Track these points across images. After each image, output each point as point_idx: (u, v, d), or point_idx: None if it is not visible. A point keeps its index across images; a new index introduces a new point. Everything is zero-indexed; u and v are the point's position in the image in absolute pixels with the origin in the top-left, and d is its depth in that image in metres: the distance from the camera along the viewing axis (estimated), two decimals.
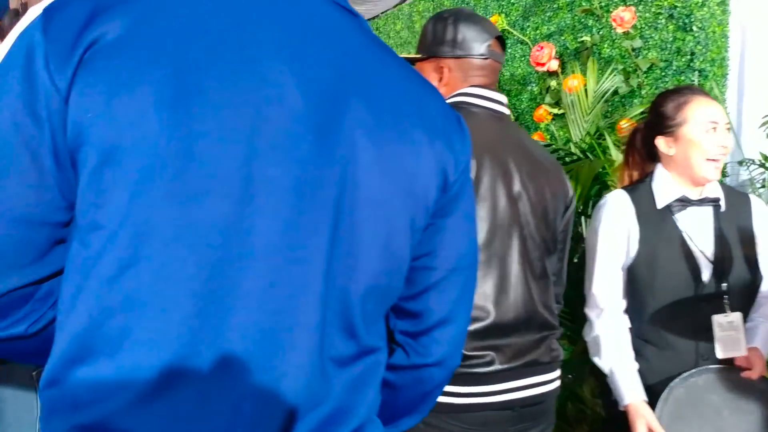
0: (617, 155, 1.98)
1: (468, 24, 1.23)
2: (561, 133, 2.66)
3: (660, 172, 1.35)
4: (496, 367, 1.18)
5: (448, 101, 1.23)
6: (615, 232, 1.32)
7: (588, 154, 2.04)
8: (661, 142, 1.34)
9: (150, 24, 0.51)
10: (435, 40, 1.25)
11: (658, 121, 1.34)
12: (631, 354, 1.30)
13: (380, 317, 0.63)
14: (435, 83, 1.25)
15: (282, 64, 0.53)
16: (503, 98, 1.26)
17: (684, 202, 1.29)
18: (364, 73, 0.58)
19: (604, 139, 2.15)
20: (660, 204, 1.31)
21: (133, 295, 0.49)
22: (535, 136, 2.62)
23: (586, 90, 2.17)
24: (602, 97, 2.17)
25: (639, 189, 1.36)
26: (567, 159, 2.05)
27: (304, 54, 0.55)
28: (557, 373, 1.30)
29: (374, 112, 0.56)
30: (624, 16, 2.22)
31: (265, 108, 0.52)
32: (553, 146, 2.22)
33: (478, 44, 1.22)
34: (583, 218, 1.93)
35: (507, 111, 1.26)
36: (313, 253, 0.53)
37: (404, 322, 0.68)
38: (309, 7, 0.58)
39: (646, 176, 1.38)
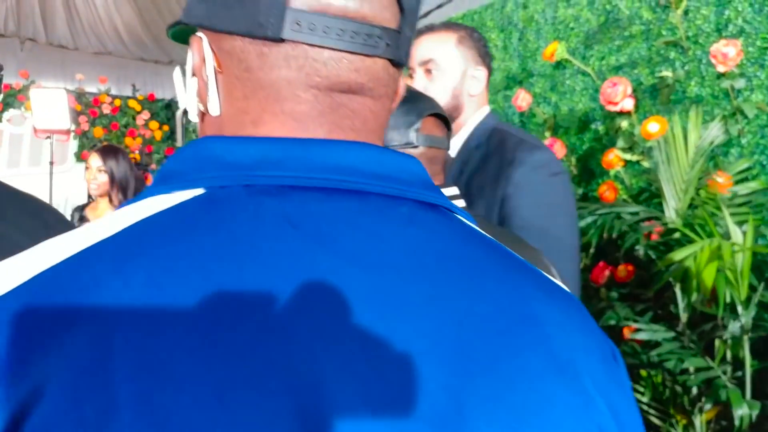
0: (735, 231, 1.60)
1: None
2: (633, 181, 2.28)
3: None
4: None
5: None
6: None
7: (696, 227, 1.66)
8: None
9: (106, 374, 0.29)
10: None
11: None
12: None
13: None
14: None
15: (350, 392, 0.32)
16: (451, 190, 0.96)
17: None
18: (481, 347, 0.37)
19: (710, 203, 1.77)
20: None
21: None
22: (604, 186, 2.24)
23: (686, 141, 1.79)
24: (706, 150, 1.78)
25: None
26: (667, 235, 1.66)
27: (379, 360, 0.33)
28: None
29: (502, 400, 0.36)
30: (727, 53, 1.83)
31: None
32: (641, 212, 1.83)
33: (401, 131, 0.92)
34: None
35: (461, 202, 0.97)
36: None
37: None
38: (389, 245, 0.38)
39: None
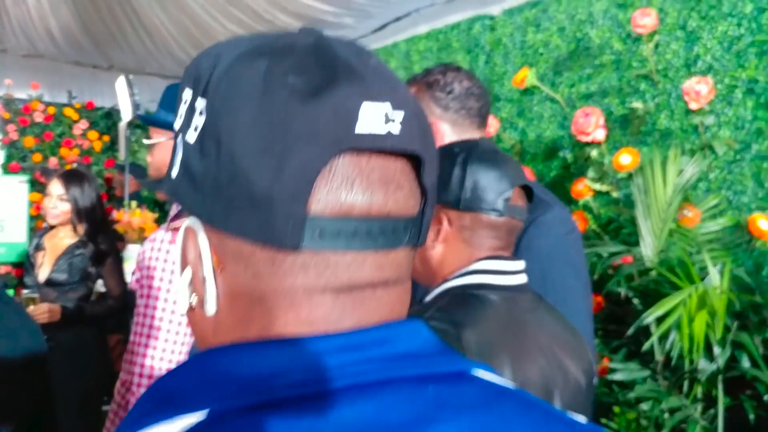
0: (715, 276, 1.59)
1: (483, 167, 0.91)
2: (602, 211, 2.28)
3: None
4: None
5: (450, 283, 0.91)
6: None
7: (677, 271, 1.64)
8: None
9: None
10: (437, 181, 0.91)
11: None
12: None
13: None
14: (429, 237, 0.93)
15: None
16: (520, 264, 0.94)
17: None
18: None
19: (684, 241, 1.77)
20: None
21: None
22: (574, 216, 2.22)
23: (664, 180, 1.77)
24: (683, 188, 1.78)
25: None
26: (648, 279, 1.64)
27: None
28: None
29: None
30: (700, 90, 1.84)
31: None
32: (620, 250, 1.81)
33: (493, 195, 0.89)
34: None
35: (524, 278, 0.94)
36: None
37: None
38: None
39: None
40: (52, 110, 4.57)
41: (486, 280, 0.89)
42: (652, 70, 2.10)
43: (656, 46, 2.11)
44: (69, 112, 4.64)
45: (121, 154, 4.41)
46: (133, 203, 3.67)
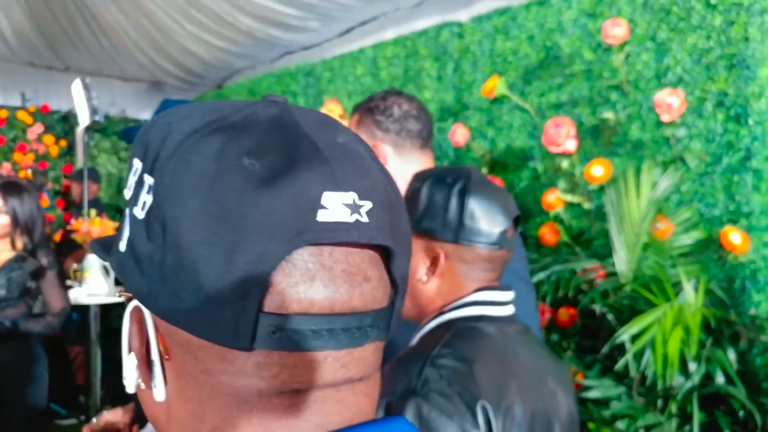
0: (690, 293, 1.57)
1: (481, 199, 0.89)
2: (573, 222, 2.25)
3: None
4: None
5: (447, 315, 0.89)
6: None
7: (652, 287, 1.61)
8: None
9: None
10: (430, 213, 0.90)
11: None
12: None
13: None
14: (421, 270, 0.90)
15: None
16: (511, 294, 0.92)
17: None
18: None
19: (659, 256, 1.74)
20: None
21: None
22: (545, 228, 2.19)
23: (638, 193, 1.75)
24: (657, 202, 1.75)
25: None
26: (622, 297, 1.61)
27: None
28: None
29: None
30: (671, 103, 1.82)
31: None
32: (595, 266, 1.78)
33: (491, 228, 0.88)
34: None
35: (513, 309, 0.93)
36: None
37: None
38: None
39: None
40: (4, 113, 4.36)
41: (482, 311, 0.88)
42: (623, 80, 2.07)
43: (627, 56, 2.08)
44: (23, 115, 4.44)
45: (79, 161, 4.23)
46: (93, 211, 3.51)
